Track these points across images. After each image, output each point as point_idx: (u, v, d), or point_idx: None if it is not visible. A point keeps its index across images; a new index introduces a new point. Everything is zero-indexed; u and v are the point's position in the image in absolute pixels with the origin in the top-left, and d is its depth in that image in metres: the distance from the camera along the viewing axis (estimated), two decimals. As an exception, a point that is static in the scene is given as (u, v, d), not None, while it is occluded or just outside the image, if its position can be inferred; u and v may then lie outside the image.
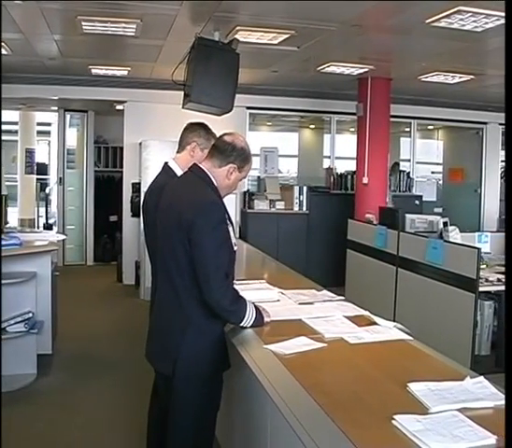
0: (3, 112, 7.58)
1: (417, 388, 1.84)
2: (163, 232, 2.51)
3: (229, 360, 2.52)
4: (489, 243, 5.98)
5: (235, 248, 2.53)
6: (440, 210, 9.07)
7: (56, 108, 9.54)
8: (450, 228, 5.51)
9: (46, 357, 4.89)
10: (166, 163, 3.11)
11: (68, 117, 9.67)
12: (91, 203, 9.73)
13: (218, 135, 2.71)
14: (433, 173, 10.48)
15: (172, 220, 2.41)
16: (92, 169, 9.86)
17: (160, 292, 2.58)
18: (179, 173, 2.97)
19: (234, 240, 2.51)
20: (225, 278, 2.35)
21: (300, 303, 2.94)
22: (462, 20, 4.60)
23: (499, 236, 5.92)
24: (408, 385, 1.86)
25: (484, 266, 5.03)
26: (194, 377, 2.41)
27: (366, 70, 6.87)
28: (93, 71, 7.46)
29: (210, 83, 4.73)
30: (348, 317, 2.68)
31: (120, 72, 7.54)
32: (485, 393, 1.83)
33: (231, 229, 2.50)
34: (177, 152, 3.13)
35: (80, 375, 4.76)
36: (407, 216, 6.30)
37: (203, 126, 3.13)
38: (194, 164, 2.57)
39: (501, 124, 9.63)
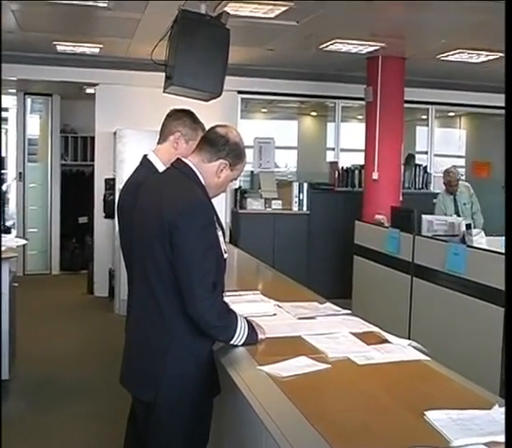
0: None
1: (436, 417, 1.83)
2: (141, 236, 2.52)
3: (219, 384, 2.52)
4: (518, 248, 6.00)
5: (226, 256, 2.54)
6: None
7: (15, 91, 9.52)
8: (474, 231, 5.53)
9: (2, 382, 4.85)
10: (145, 156, 3.11)
11: (29, 101, 9.66)
12: (56, 203, 9.71)
13: (207, 126, 2.71)
14: (454, 167, 10.50)
15: (151, 222, 2.42)
16: (59, 162, 9.84)
17: (138, 305, 2.58)
18: (161, 167, 2.97)
19: (223, 246, 2.52)
20: (212, 289, 2.35)
21: (300, 318, 2.95)
22: (488, -12, 4.61)
23: (530, 240, 5.94)
24: (426, 413, 1.86)
25: (513, 275, 5.05)
26: (180, 404, 2.41)
27: (377, 48, 6.89)
28: (59, 48, 7.44)
29: (196, 63, 4.72)
30: (355, 334, 2.69)
31: (91, 49, 7.53)
32: (516, 424, 1.83)
33: (220, 233, 2.50)
34: (158, 143, 3.14)
35: (44, 403, 4.75)
36: (424, 217, 6.31)
37: (189, 114, 3.13)
38: (178, 159, 2.57)
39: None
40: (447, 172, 7.59)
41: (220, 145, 2.51)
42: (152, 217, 2.42)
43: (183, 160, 2.55)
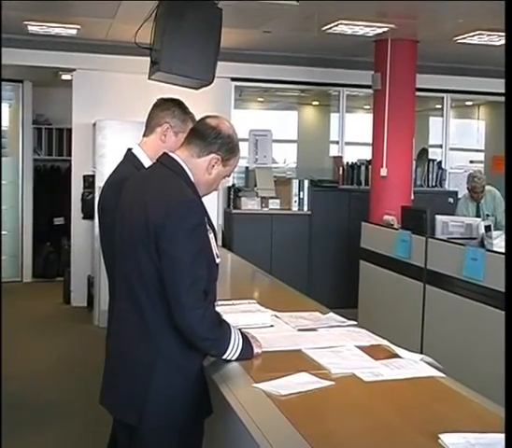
0: None
1: (452, 441, 1.83)
2: (123, 240, 2.52)
3: (211, 404, 2.53)
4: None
5: (218, 261, 2.54)
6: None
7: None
8: (495, 233, 5.53)
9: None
10: (130, 150, 3.12)
11: (-3, 88, 9.65)
12: (28, 202, 9.69)
13: (197, 117, 2.72)
14: (471, 162, 10.53)
15: (135, 224, 2.42)
16: (31, 157, 9.83)
17: (120, 316, 2.58)
18: (147, 162, 2.99)
19: (215, 250, 2.53)
20: (203, 298, 2.36)
21: (300, 330, 2.95)
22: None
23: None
24: (441, 436, 1.86)
25: (537, 282, 5.06)
26: (167, 428, 2.41)
27: (385, 30, 6.90)
28: (31, 28, 7.41)
29: (184, 47, 4.72)
30: (361, 348, 2.69)
31: (67, 31, 7.52)
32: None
33: (212, 235, 2.51)
34: (144, 136, 3.15)
35: (14, 428, 4.71)
36: (438, 217, 6.32)
37: (178, 103, 3.15)
38: (165, 154, 2.58)
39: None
40: (471, 177, 7.35)
41: (210, 138, 2.51)
42: (136, 218, 2.43)
43: (170, 154, 2.55)
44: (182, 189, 2.44)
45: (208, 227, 2.48)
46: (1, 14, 5.19)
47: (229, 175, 2.68)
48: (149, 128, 3.13)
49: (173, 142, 3.00)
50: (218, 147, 2.52)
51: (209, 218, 2.51)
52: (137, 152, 3.09)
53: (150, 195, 2.46)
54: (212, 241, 2.50)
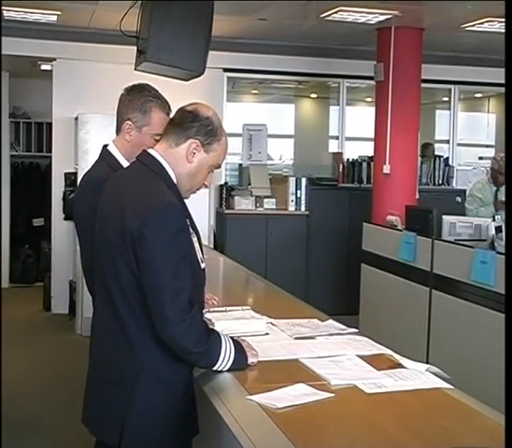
0: None
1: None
2: (101, 248, 2.50)
3: (197, 424, 2.51)
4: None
5: (203, 266, 2.53)
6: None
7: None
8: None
9: None
10: (106, 147, 3.09)
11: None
12: (5, 202, 9.66)
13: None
14: (481, 158, 10.53)
15: (113, 231, 2.40)
16: (8, 153, 9.80)
17: (100, 328, 2.57)
18: (122, 161, 2.96)
19: (200, 255, 2.51)
20: (188, 309, 2.33)
21: (297, 338, 2.95)
22: None
23: None
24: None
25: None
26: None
27: (389, 17, 6.90)
28: (7, 14, 7.38)
29: (173, 35, 4.73)
30: (362, 357, 2.69)
31: (47, 17, 7.50)
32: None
33: (196, 239, 2.49)
34: (116, 133, 3.11)
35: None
36: (445, 218, 6.33)
37: (138, 91, 3.04)
38: (144, 151, 2.55)
39: None
40: (499, 156, 7.09)
41: (187, 122, 2.46)
42: (113, 224, 2.40)
43: (149, 151, 2.52)
44: (161, 192, 2.39)
45: (191, 230, 2.46)
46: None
47: (218, 167, 2.60)
48: (117, 125, 3.07)
49: (138, 140, 2.94)
50: (195, 131, 2.45)
51: (192, 220, 2.48)
52: (113, 150, 3.05)
53: (128, 199, 2.41)
54: (196, 245, 2.48)
